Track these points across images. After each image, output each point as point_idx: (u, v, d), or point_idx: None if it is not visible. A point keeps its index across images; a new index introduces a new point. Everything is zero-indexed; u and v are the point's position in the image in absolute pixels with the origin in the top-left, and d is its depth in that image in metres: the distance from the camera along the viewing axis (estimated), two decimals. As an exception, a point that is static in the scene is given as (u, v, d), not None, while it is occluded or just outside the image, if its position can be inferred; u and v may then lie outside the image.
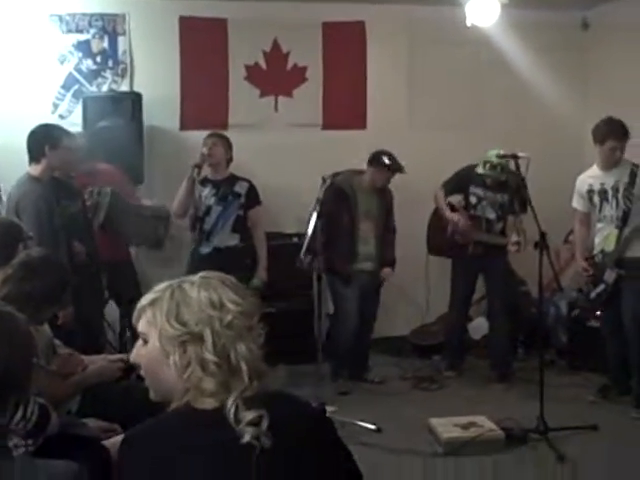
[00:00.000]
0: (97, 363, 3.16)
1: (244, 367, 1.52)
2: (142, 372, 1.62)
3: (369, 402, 5.12)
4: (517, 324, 5.88)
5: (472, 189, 5.56)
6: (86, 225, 4.73)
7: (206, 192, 5.19)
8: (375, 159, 5.31)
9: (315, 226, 4.62)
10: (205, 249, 5.19)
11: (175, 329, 1.52)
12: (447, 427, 4.34)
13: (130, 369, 2.82)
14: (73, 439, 2.51)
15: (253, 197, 5.29)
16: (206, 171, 5.23)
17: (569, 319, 5.86)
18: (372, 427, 4.50)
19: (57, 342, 3.18)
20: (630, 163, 4.79)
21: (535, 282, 4.64)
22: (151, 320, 1.56)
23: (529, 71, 6.55)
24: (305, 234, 4.68)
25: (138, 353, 1.61)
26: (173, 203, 5.25)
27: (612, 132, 4.70)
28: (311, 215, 4.66)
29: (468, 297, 5.76)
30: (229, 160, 5.28)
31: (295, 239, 5.75)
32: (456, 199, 5.73)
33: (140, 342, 1.61)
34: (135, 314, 1.61)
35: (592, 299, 4.97)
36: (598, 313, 5.26)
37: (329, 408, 4.65)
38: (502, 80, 6.58)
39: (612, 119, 4.77)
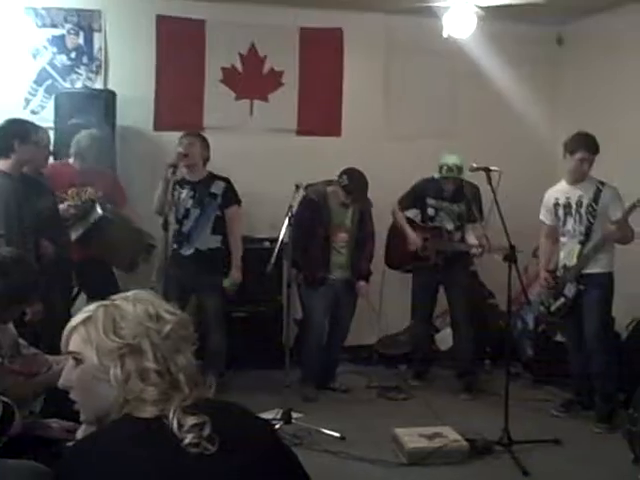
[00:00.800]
0: (62, 363, 3.10)
1: (182, 377, 1.52)
2: (73, 395, 1.59)
3: (335, 410, 5.12)
4: (484, 336, 5.91)
5: (428, 201, 5.61)
6: (56, 222, 4.66)
7: (184, 194, 5.14)
8: (339, 175, 5.32)
9: (285, 234, 4.61)
10: (187, 250, 5.15)
11: (114, 342, 1.51)
12: (412, 437, 4.35)
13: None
14: (36, 440, 2.47)
15: (230, 196, 5.24)
16: (184, 172, 5.17)
17: (535, 333, 5.90)
18: (337, 435, 4.48)
19: (22, 342, 3.13)
20: (596, 180, 4.86)
21: (503, 295, 4.66)
22: (85, 338, 1.54)
23: (504, 83, 6.62)
24: (276, 240, 4.66)
25: (68, 377, 1.58)
26: (154, 200, 5.17)
27: (583, 144, 4.79)
28: (283, 222, 4.64)
29: (430, 309, 5.80)
30: (206, 160, 5.22)
31: (267, 244, 5.74)
32: (413, 213, 5.76)
33: (70, 364, 1.58)
34: (65, 335, 1.58)
35: (552, 312, 5.04)
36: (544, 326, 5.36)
37: (295, 414, 4.64)
38: (477, 91, 6.63)
39: (585, 133, 4.86)
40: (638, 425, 3.99)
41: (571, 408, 5.09)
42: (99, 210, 4.97)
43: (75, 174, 5.07)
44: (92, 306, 1.58)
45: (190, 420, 1.45)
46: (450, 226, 5.59)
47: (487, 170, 4.59)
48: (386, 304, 6.04)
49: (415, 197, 5.67)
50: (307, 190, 5.30)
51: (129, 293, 1.61)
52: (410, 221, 5.69)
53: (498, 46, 6.41)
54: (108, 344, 1.51)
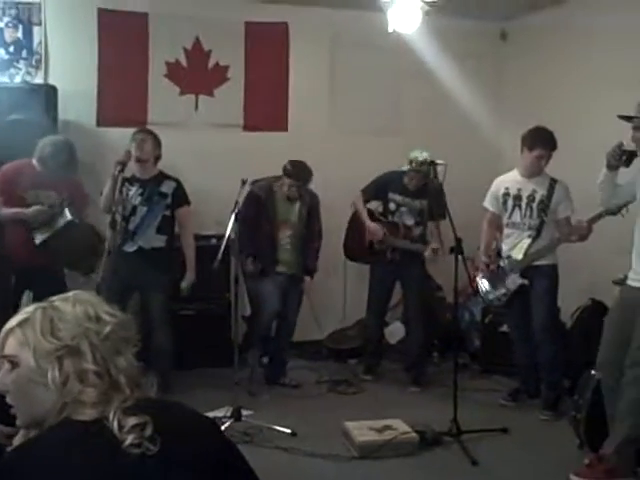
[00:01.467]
0: None
1: (122, 379, 1.49)
2: (9, 399, 1.54)
3: (285, 406, 5.10)
4: (432, 328, 5.97)
5: (391, 195, 5.61)
6: None
7: (132, 191, 5.06)
8: (283, 168, 5.30)
9: (232, 230, 4.58)
10: (130, 248, 5.07)
11: (52, 344, 1.47)
12: (362, 430, 4.36)
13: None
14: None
15: (180, 197, 5.19)
16: (134, 169, 5.08)
17: (482, 324, 5.98)
18: (287, 431, 4.47)
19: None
20: (549, 177, 4.90)
21: (450, 287, 4.71)
22: (22, 340, 1.49)
23: (449, 78, 6.67)
24: (223, 236, 4.63)
25: (3, 380, 1.53)
26: (100, 199, 5.07)
27: (543, 140, 4.81)
28: (229, 218, 4.61)
29: (385, 302, 5.81)
30: (157, 158, 5.14)
31: (214, 241, 5.67)
32: (374, 205, 5.76)
33: (6, 367, 1.53)
34: (1, 337, 1.53)
35: (489, 300, 5.09)
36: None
37: (245, 412, 4.61)
38: (422, 86, 6.67)
39: (544, 128, 4.87)
40: (582, 411, 4.09)
41: (518, 397, 5.16)
42: (68, 215, 4.92)
43: (37, 176, 4.89)
44: (30, 307, 1.54)
45: (131, 421, 1.42)
46: (410, 222, 5.59)
47: (433, 164, 4.61)
48: (347, 295, 6.07)
49: (378, 189, 5.65)
50: (253, 186, 5.29)
51: (69, 294, 1.58)
52: (370, 212, 5.69)
53: (443, 41, 6.45)
54: (46, 346, 1.47)
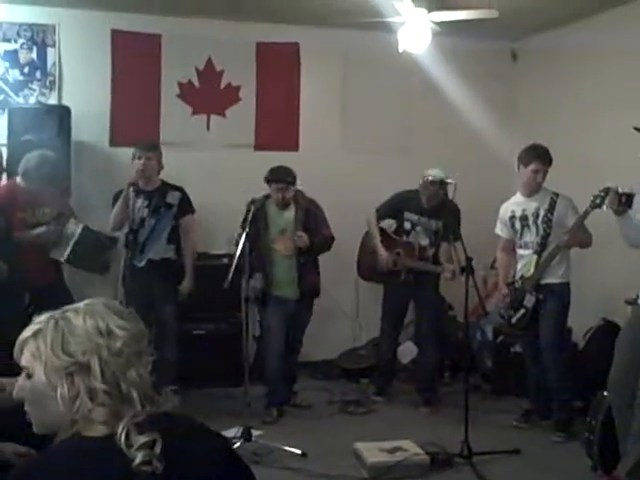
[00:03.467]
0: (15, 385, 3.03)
1: (134, 394, 1.48)
2: (26, 406, 1.56)
3: (295, 426, 5.08)
4: (444, 348, 5.94)
5: (407, 215, 5.56)
6: (7, 243, 4.58)
7: (139, 204, 5.13)
8: (264, 178, 5.19)
9: (243, 248, 4.59)
10: (139, 262, 5.12)
11: (61, 360, 1.47)
12: (373, 451, 4.34)
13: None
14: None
15: (185, 205, 5.28)
16: (139, 182, 5.15)
17: (494, 344, 5.94)
18: (297, 452, 4.45)
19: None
20: (551, 192, 4.93)
21: (461, 307, 4.69)
22: (35, 353, 1.50)
23: (459, 98, 6.69)
24: (234, 256, 4.64)
25: (22, 388, 1.55)
26: (110, 217, 5.15)
27: (537, 155, 4.87)
28: (239, 237, 4.62)
29: (399, 323, 5.76)
30: (160, 169, 5.24)
31: (225, 260, 5.66)
32: (387, 224, 5.75)
33: (23, 376, 1.55)
34: (17, 348, 1.55)
35: (513, 324, 5.06)
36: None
37: (255, 432, 4.59)
38: (433, 106, 6.69)
39: (538, 145, 4.94)
40: (595, 433, 4.05)
41: (530, 418, 5.12)
42: (76, 224, 4.99)
43: (26, 193, 4.92)
44: (43, 317, 1.54)
45: (140, 439, 1.41)
46: (425, 242, 5.53)
47: (442, 182, 4.62)
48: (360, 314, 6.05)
49: (393, 208, 5.61)
50: (249, 204, 5.04)
51: (82, 304, 1.57)
52: (382, 231, 5.66)
53: (453, 61, 6.49)
54: (55, 362, 1.47)
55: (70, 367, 1.46)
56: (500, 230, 5.17)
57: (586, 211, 4.39)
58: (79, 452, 1.43)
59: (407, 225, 5.57)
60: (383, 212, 5.64)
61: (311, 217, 5.29)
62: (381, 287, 5.78)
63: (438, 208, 5.44)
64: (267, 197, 5.26)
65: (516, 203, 5.05)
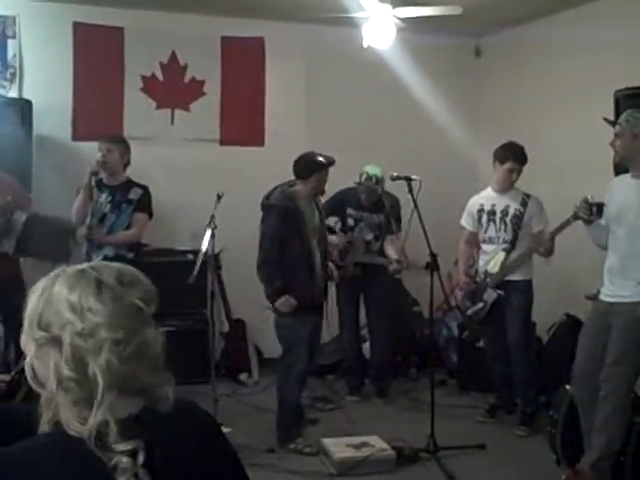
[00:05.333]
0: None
1: (100, 385, 1.29)
2: None
3: (263, 423, 5.05)
4: (410, 344, 5.97)
5: (349, 211, 5.63)
6: None
7: (102, 198, 4.99)
8: (315, 164, 4.70)
9: (208, 245, 4.54)
10: (96, 257, 5.01)
11: (33, 331, 1.35)
12: (340, 447, 4.35)
13: (13, 391, 2.65)
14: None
15: (144, 203, 5.05)
16: (102, 175, 5.02)
17: (460, 340, 5.99)
18: (265, 448, 4.43)
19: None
20: (522, 192, 4.97)
21: (427, 303, 4.71)
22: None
23: (424, 94, 6.72)
24: (199, 251, 4.60)
25: None
26: (72, 210, 5.02)
27: (514, 154, 4.91)
28: (205, 232, 4.58)
29: (355, 317, 5.81)
30: (127, 164, 5.08)
31: (190, 256, 5.64)
32: (333, 220, 5.72)
33: None
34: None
35: (468, 315, 5.12)
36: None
37: (224, 429, 4.53)
38: (398, 102, 6.71)
39: (515, 143, 4.97)
40: (558, 427, 4.10)
41: (495, 413, 5.17)
42: (21, 214, 4.85)
43: None
44: (52, 274, 1.39)
45: (120, 446, 1.28)
46: (369, 236, 5.61)
47: (408, 179, 4.63)
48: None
49: (335, 205, 5.63)
50: (270, 198, 4.65)
51: (76, 268, 1.39)
52: (329, 229, 5.67)
53: (418, 57, 6.51)
54: (30, 332, 1.36)
55: (40, 340, 1.34)
56: (465, 222, 5.20)
57: (568, 221, 4.18)
58: (56, 452, 1.31)
59: (350, 221, 5.63)
60: (327, 210, 5.42)
61: (323, 211, 4.99)
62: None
63: (377, 202, 5.51)
64: (287, 189, 4.67)
65: (486, 197, 5.09)
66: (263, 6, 5.97)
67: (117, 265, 1.44)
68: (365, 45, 5.56)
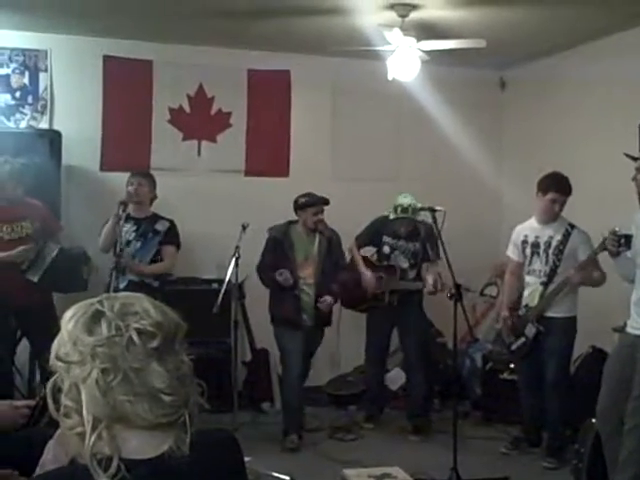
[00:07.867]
0: (0, 409, 3.00)
1: (85, 412, 1.30)
2: None
3: (285, 452, 5.04)
4: (433, 375, 5.92)
5: (384, 239, 5.63)
6: None
7: (127, 228, 5.08)
8: (300, 202, 5.24)
9: (232, 274, 4.59)
10: (121, 283, 5.05)
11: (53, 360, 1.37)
12: (361, 478, 4.30)
13: (39, 415, 2.68)
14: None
15: (172, 235, 5.21)
16: (129, 208, 5.11)
17: (483, 371, 5.94)
18: (286, 478, 4.41)
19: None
20: (567, 222, 4.85)
21: (451, 334, 4.68)
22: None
23: (448, 126, 6.75)
24: (223, 280, 4.64)
25: None
26: (99, 239, 5.09)
27: (556, 185, 4.80)
28: (230, 262, 4.63)
29: (384, 349, 5.77)
30: (153, 198, 5.22)
31: (214, 285, 5.67)
32: (369, 252, 5.78)
33: None
34: None
35: (513, 351, 5.03)
36: (512, 365, 5.37)
37: (244, 458, 4.54)
38: (422, 133, 6.76)
39: (559, 173, 4.86)
40: (584, 460, 4.04)
41: (519, 445, 5.10)
42: (53, 246, 4.90)
43: (4, 210, 4.85)
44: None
45: None
46: (405, 264, 5.59)
47: (432, 210, 4.65)
48: (341, 343, 6.02)
49: (372, 234, 5.67)
50: (270, 230, 5.28)
51: (104, 298, 1.39)
52: (365, 259, 5.70)
53: (442, 89, 6.56)
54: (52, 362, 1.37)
55: (54, 367, 1.36)
56: (511, 252, 5.12)
57: (603, 243, 4.09)
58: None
59: (386, 249, 5.63)
60: (363, 239, 5.71)
61: (333, 245, 5.39)
62: (362, 316, 5.76)
63: (413, 231, 5.53)
64: (290, 223, 5.31)
65: (530, 228, 4.98)
66: (289, 39, 6.06)
67: (129, 295, 1.46)
68: (390, 78, 5.61)
